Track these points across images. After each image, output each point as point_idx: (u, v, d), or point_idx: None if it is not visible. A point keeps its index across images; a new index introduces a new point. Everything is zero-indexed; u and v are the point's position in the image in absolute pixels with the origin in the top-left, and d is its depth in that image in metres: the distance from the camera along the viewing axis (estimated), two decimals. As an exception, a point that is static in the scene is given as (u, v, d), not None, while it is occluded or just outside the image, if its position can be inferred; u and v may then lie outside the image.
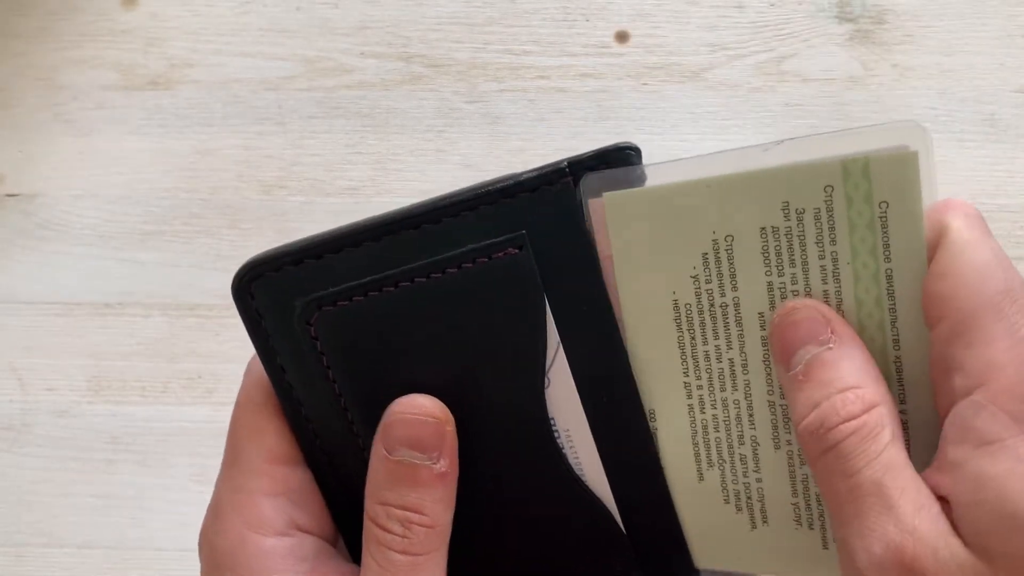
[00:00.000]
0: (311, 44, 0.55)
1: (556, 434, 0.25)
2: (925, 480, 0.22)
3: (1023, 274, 0.23)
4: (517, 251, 0.24)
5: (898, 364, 0.23)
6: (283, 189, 0.53)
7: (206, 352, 0.51)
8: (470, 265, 0.24)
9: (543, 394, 0.25)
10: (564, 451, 0.26)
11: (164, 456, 0.50)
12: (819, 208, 0.22)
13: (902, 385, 0.24)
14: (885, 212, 0.22)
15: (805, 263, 0.23)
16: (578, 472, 0.26)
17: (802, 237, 0.23)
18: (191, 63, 0.55)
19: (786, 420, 0.24)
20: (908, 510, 0.21)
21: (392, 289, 0.24)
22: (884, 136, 0.22)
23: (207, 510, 0.26)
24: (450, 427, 0.24)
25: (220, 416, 0.51)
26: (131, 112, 0.55)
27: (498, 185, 0.24)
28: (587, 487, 0.26)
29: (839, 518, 0.22)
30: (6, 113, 0.55)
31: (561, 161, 0.24)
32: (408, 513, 0.24)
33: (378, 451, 0.24)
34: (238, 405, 0.27)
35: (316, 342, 0.25)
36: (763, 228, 0.23)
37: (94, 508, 0.50)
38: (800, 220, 0.23)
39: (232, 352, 0.51)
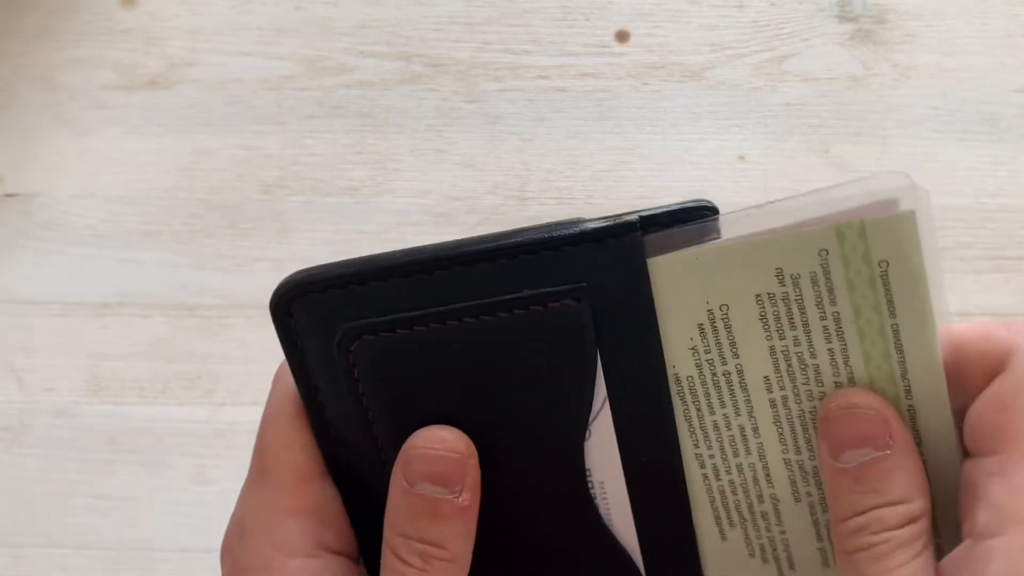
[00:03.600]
0: (311, 43, 0.55)
1: (590, 484, 0.25)
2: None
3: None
4: (575, 303, 0.23)
5: (912, 411, 0.24)
6: (283, 189, 0.53)
7: (205, 352, 0.51)
8: (522, 311, 0.23)
9: (582, 445, 0.25)
10: (596, 501, 0.25)
11: (163, 456, 0.50)
12: (815, 271, 0.22)
13: (917, 430, 0.24)
14: (886, 270, 0.22)
15: (806, 325, 0.23)
16: (607, 523, 0.26)
17: (800, 301, 0.23)
18: (190, 63, 0.55)
19: (803, 473, 0.25)
20: None
21: (438, 326, 0.23)
22: (876, 191, 0.22)
23: (231, 521, 0.26)
24: (472, 460, 0.24)
25: (219, 416, 0.51)
26: (130, 112, 0.55)
27: (563, 232, 0.23)
28: (615, 538, 0.26)
29: None
30: (5, 113, 0.55)
31: (633, 213, 0.23)
32: (428, 547, 0.24)
33: (398, 482, 0.24)
34: (267, 417, 0.26)
35: (354, 369, 0.24)
36: (758, 295, 0.23)
37: (93, 508, 0.50)
38: (796, 284, 0.23)
39: (231, 352, 0.51)
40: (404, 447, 0.24)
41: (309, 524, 0.25)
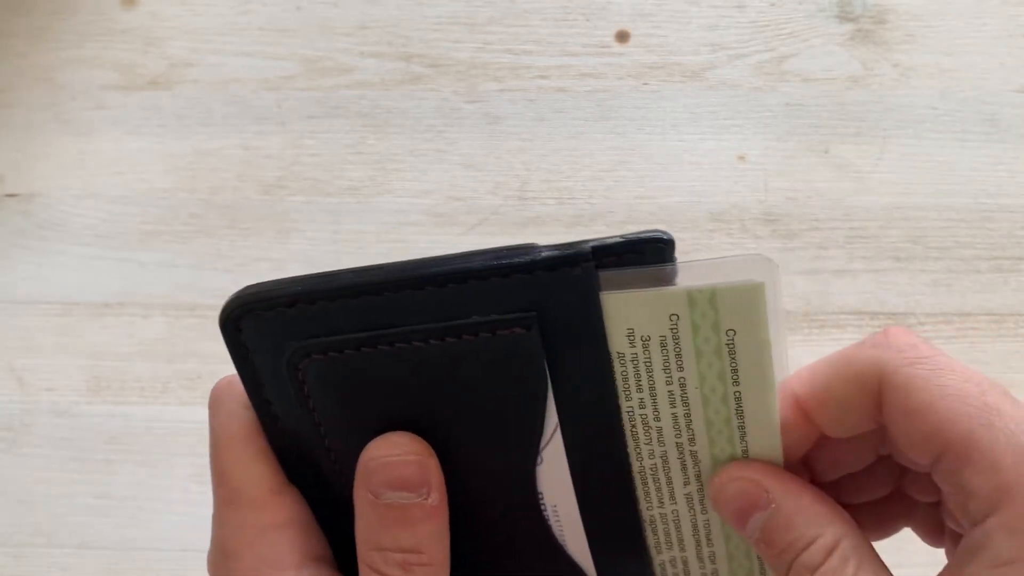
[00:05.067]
0: (311, 44, 0.55)
1: (543, 507, 0.25)
2: None
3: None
4: (524, 331, 0.23)
5: None
6: (283, 189, 0.53)
7: (206, 352, 0.51)
8: (472, 337, 0.23)
9: (534, 470, 0.25)
10: (549, 523, 0.26)
11: (164, 456, 0.50)
12: (664, 336, 0.23)
13: None
14: (732, 339, 0.22)
15: (652, 388, 0.23)
16: (562, 544, 0.26)
17: (648, 364, 0.23)
18: (191, 63, 0.55)
19: (653, 525, 0.26)
20: None
21: (387, 348, 0.23)
22: (734, 268, 0.22)
23: (212, 549, 0.25)
24: (433, 460, 0.24)
25: (219, 416, 0.51)
26: (131, 112, 0.55)
27: (515, 259, 0.23)
28: (570, 557, 0.26)
29: None
30: (6, 113, 0.55)
31: (586, 242, 0.22)
32: (407, 555, 0.23)
33: (364, 497, 0.24)
34: (219, 441, 0.26)
35: (303, 386, 0.24)
36: (618, 353, 0.23)
37: (94, 508, 0.50)
38: (646, 347, 0.23)
39: (232, 352, 0.51)
40: (362, 459, 0.24)
41: (293, 535, 0.25)
